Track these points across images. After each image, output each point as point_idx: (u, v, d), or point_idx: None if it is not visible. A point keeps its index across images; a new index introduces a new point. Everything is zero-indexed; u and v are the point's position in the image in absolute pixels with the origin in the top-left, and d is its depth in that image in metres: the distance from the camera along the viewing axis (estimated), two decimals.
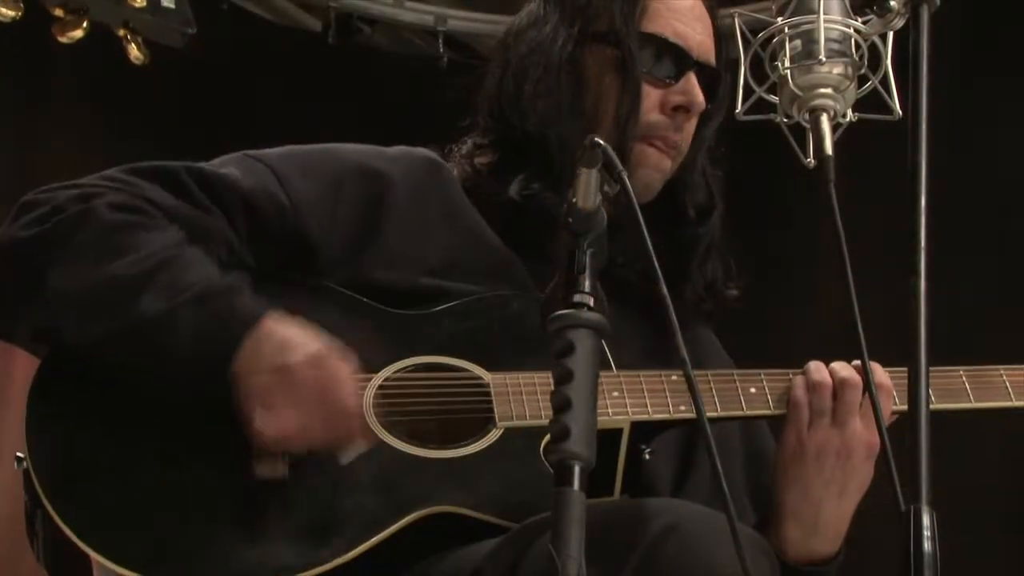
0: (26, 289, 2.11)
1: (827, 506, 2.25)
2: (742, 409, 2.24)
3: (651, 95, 2.40)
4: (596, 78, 2.41)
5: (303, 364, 2.04)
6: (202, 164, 2.29)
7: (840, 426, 2.22)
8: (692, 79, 2.42)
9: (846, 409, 2.22)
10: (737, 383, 2.25)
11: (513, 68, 2.45)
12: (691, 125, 2.45)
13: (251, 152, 2.35)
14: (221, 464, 2.06)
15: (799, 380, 2.25)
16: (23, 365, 4.43)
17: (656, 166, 2.42)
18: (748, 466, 2.45)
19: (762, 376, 2.27)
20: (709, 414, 2.16)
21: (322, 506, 2.04)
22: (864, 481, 2.25)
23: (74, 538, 1.97)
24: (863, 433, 2.22)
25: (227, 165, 2.31)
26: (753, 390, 2.25)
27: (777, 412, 2.26)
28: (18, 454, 2.06)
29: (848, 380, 2.22)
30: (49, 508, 1.99)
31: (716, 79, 2.46)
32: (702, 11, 2.48)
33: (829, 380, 2.23)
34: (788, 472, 2.25)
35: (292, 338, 2.07)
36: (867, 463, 2.24)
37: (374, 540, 2.01)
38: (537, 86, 2.40)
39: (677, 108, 2.41)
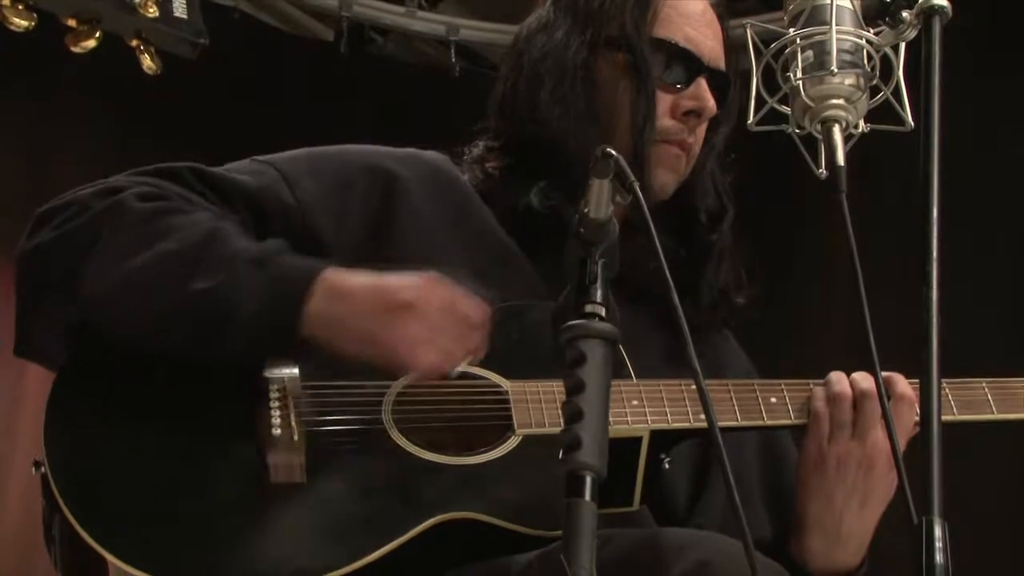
0: (61, 286, 2.09)
1: (849, 516, 2.25)
2: (763, 419, 2.24)
3: (663, 100, 2.41)
4: (610, 84, 2.42)
5: (422, 296, 2.05)
6: (204, 166, 2.29)
7: (861, 437, 2.22)
8: (703, 84, 2.42)
9: (867, 420, 2.22)
10: (757, 392, 2.25)
11: (526, 73, 2.44)
12: (702, 130, 2.46)
13: (259, 157, 2.35)
14: (239, 467, 2.06)
15: (819, 391, 2.25)
16: (35, 380, 4.44)
17: (672, 167, 2.43)
18: (765, 472, 2.45)
19: (782, 386, 2.27)
20: (730, 424, 2.20)
21: (340, 510, 2.04)
22: (887, 492, 2.26)
23: (92, 542, 1.96)
24: (885, 443, 2.22)
25: (234, 170, 2.32)
26: (774, 400, 2.25)
27: (798, 422, 2.26)
28: (36, 459, 2.06)
29: (868, 391, 2.22)
30: (67, 512, 1.98)
31: (726, 84, 2.47)
32: (712, 17, 2.49)
33: (849, 391, 2.24)
34: (810, 483, 2.25)
35: (382, 280, 2.08)
36: (890, 473, 2.24)
37: (392, 544, 2.01)
38: (553, 93, 2.40)
39: (688, 113, 2.42)
